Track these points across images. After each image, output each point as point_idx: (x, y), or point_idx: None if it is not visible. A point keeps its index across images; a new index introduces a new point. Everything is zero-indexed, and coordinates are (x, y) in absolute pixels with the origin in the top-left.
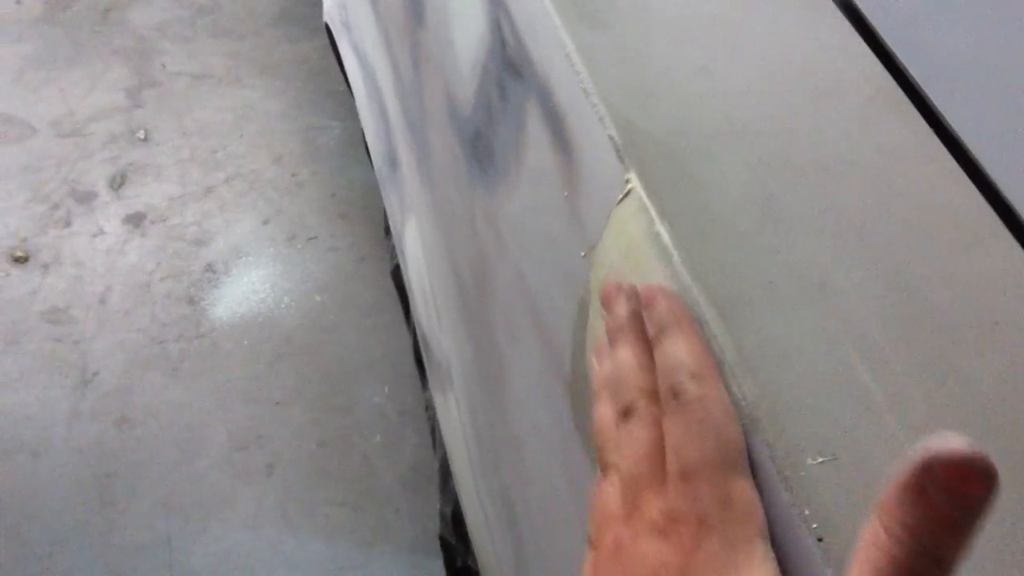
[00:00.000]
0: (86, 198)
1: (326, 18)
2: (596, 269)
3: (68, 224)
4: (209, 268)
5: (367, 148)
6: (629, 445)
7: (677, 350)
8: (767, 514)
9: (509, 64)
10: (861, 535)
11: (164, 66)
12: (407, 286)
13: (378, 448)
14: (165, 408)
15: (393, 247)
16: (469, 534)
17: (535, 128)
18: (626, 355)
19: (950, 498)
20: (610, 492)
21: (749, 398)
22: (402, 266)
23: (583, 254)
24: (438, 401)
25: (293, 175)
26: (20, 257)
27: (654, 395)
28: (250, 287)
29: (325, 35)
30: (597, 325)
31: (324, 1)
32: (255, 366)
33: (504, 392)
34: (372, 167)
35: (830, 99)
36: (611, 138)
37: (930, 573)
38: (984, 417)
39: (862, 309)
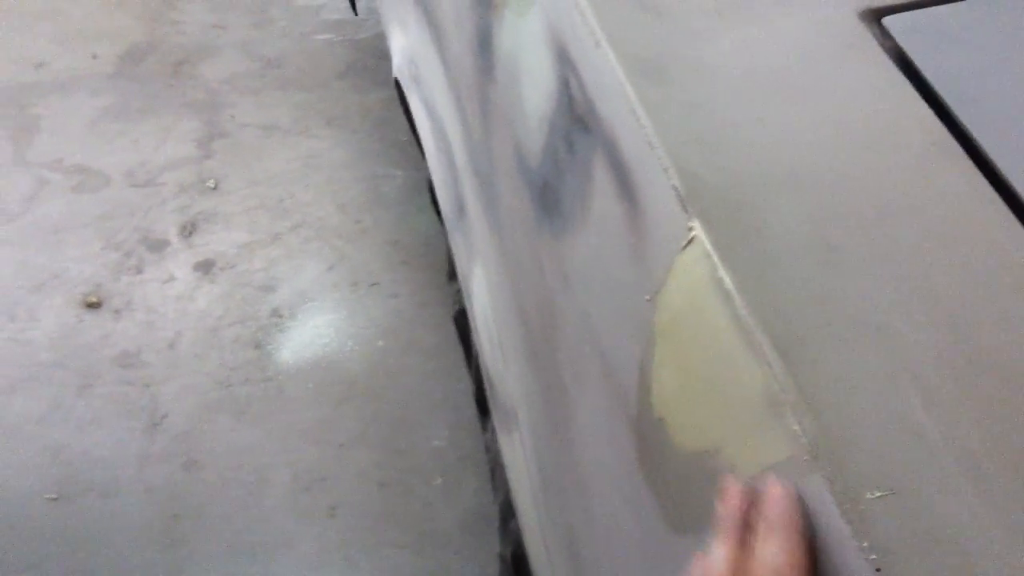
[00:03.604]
0: (158, 246)
1: (396, 73)
2: (660, 312)
3: (140, 271)
4: (275, 313)
5: (432, 196)
6: None
7: (775, 552)
8: (826, 547)
9: (577, 119)
10: None
11: (233, 117)
12: (472, 328)
13: (438, 491)
14: (231, 450)
15: (455, 292)
16: (531, 574)
17: (601, 179)
18: (719, 551)
19: None
20: None
21: (810, 434)
22: (468, 309)
23: (648, 298)
24: (503, 441)
25: (357, 222)
26: (93, 303)
27: None
28: (315, 332)
29: (389, 87)
30: (663, 368)
31: (393, 56)
32: (319, 409)
33: (570, 431)
34: (434, 215)
35: (886, 149)
36: (675, 188)
37: None
38: None
39: (919, 350)
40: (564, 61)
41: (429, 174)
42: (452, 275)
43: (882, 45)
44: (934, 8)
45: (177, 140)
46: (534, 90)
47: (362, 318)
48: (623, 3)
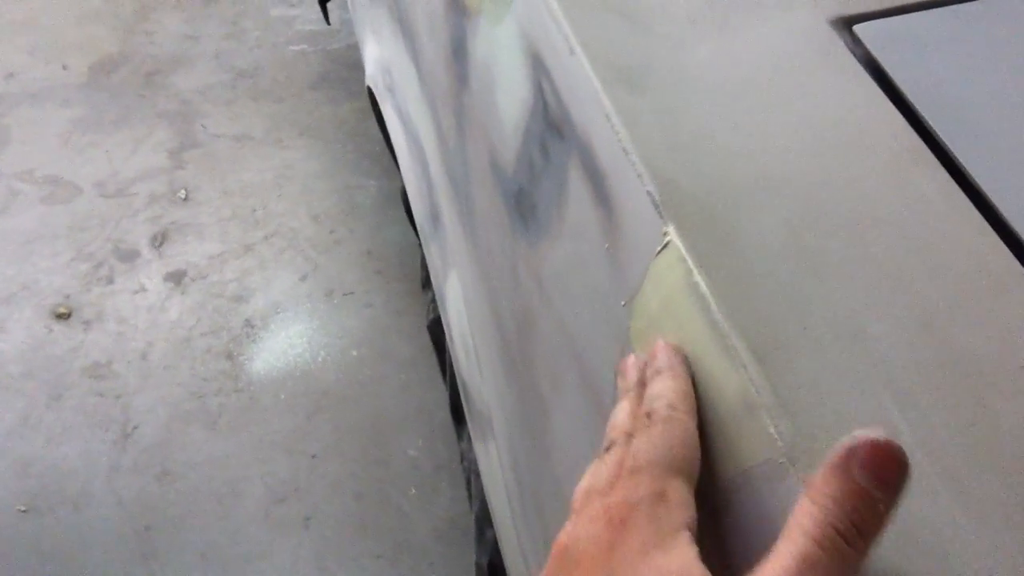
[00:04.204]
0: (129, 256)
1: (369, 82)
2: (636, 318)
3: (111, 282)
4: (248, 324)
5: (405, 207)
6: (598, 469)
7: (661, 385)
8: None
9: (551, 125)
10: (792, 513)
11: (205, 128)
12: (448, 337)
13: (414, 501)
14: (204, 461)
15: (429, 301)
16: None
17: (576, 185)
18: (621, 406)
19: (869, 476)
20: (578, 499)
21: (786, 438)
22: (443, 318)
23: (623, 303)
24: (479, 449)
25: (331, 232)
26: (63, 314)
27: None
28: (288, 342)
29: (362, 98)
30: None
31: (367, 66)
32: (293, 419)
33: (547, 438)
34: (407, 225)
35: (859, 155)
36: (649, 194)
37: (850, 537)
38: (1015, 458)
39: (894, 353)
40: (539, 68)
41: (403, 184)
42: (426, 284)
43: (854, 52)
44: (905, 16)
45: (149, 151)
46: (509, 97)
47: (336, 328)
48: (598, 10)
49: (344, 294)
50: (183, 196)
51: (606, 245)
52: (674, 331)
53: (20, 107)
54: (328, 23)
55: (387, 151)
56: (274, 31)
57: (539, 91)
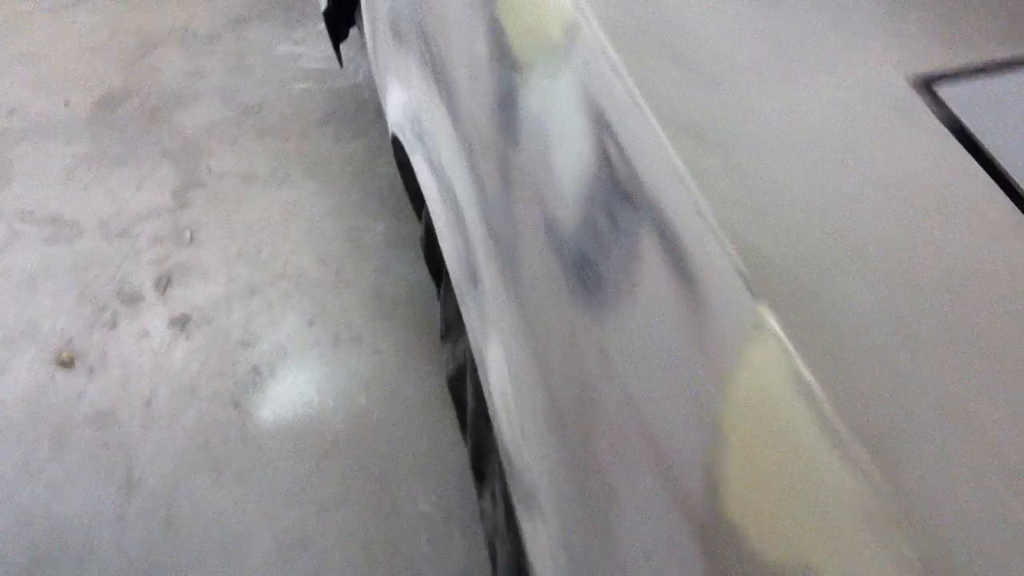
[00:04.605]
0: (132, 299)
1: (394, 129)
2: (729, 408)
3: (114, 326)
4: (254, 370)
5: (426, 254)
6: None
7: None
8: None
9: (619, 189)
10: None
11: (210, 167)
12: (489, 405)
13: (425, 554)
14: (211, 512)
15: (448, 355)
16: None
17: (650, 255)
18: None
19: None
20: None
21: (924, 559)
22: (481, 380)
23: (710, 385)
24: (525, 529)
25: (338, 274)
26: (66, 359)
27: None
28: (295, 389)
29: (369, 136)
30: (737, 471)
31: (389, 112)
32: (301, 468)
33: (613, 530)
34: (417, 267)
35: (950, 219)
36: (736, 267)
37: None
38: None
39: (1004, 437)
40: (601, 126)
41: (422, 231)
42: (445, 335)
43: (935, 113)
44: (990, 77)
45: (153, 189)
46: (567, 157)
47: (344, 374)
48: (660, 63)
49: (352, 339)
50: (187, 237)
51: (686, 321)
52: (773, 423)
53: (22, 143)
54: (341, 65)
55: (395, 192)
56: (279, 68)
57: (603, 151)
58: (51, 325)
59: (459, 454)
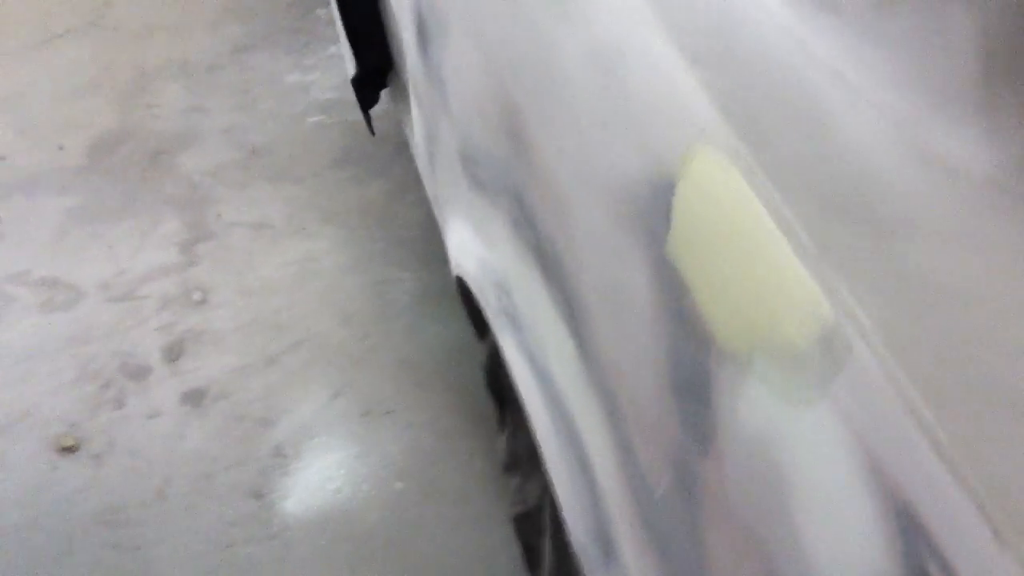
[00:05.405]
0: (140, 373)
1: (460, 273)
2: None
3: (121, 405)
4: (277, 452)
5: (468, 309)
6: None
7: None
8: None
9: None
10: None
11: (219, 216)
12: None
13: None
14: None
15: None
16: None
17: None
18: None
19: None
20: None
21: None
22: None
23: None
24: None
25: (363, 338)
26: (69, 446)
27: None
28: (323, 474)
29: (389, 178)
30: None
31: (452, 247)
32: (334, 570)
33: None
34: (450, 324)
35: None
36: None
37: None
38: None
39: None
40: (910, 528)
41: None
42: (511, 468)
43: None
44: None
45: (157, 244)
46: (828, 537)
47: (376, 456)
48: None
49: (383, 413)
50: (199, 298)
51: None
52: None
53: (12, 196)
54: (372, 133)
55: (421, 238)
56: (289, 101)
57: (905, 559)
58: (51, 407)
59: (511, 553)
